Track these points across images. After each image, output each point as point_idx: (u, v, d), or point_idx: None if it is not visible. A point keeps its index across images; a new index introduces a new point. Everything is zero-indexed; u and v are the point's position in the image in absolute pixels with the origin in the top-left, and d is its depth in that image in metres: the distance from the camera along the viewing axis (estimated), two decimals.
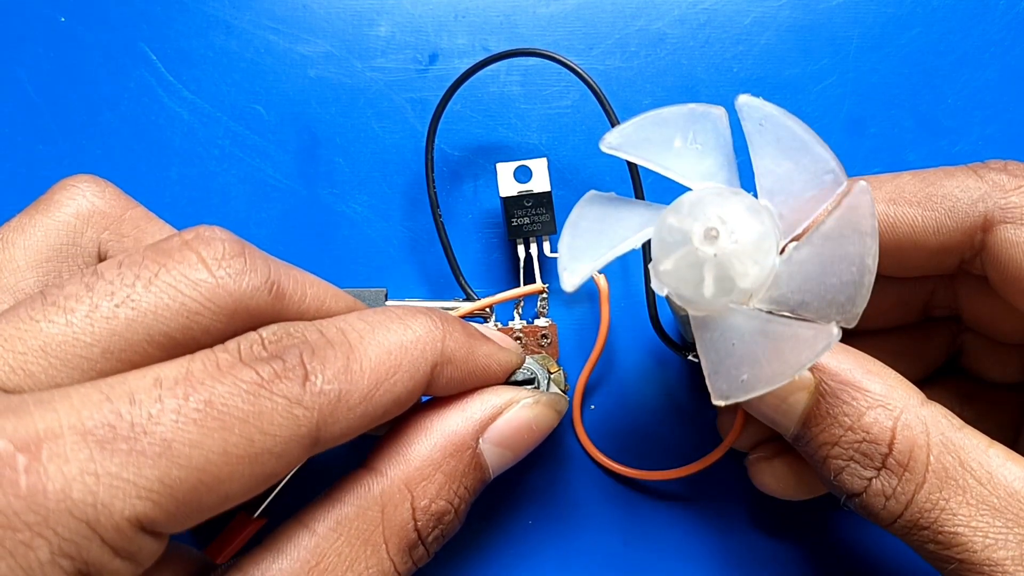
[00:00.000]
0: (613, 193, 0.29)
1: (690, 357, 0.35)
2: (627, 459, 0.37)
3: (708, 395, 0.26)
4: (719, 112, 0.28)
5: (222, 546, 0.28)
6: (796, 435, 0.28)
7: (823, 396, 0.27)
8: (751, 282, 0.26)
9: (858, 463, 0.27)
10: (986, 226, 0.29)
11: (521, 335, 0.36)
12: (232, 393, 0.22)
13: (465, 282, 0.37)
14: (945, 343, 0.35)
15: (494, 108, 0.40)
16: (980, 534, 0.25)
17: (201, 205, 0.39)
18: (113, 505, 0.19)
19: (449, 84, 0.36)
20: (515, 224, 0.37)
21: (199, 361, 0.22)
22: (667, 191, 0.28)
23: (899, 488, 0.26)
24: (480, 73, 0.36)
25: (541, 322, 0.36)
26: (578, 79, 0.36)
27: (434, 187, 0.37)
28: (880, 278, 0.25)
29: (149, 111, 0.40)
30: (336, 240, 0.39)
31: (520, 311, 0.36)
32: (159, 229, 0.30)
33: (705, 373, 0.27)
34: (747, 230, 0.26)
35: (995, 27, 0.40)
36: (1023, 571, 0.25)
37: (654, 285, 0.27)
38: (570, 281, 0.28)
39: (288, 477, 0.27)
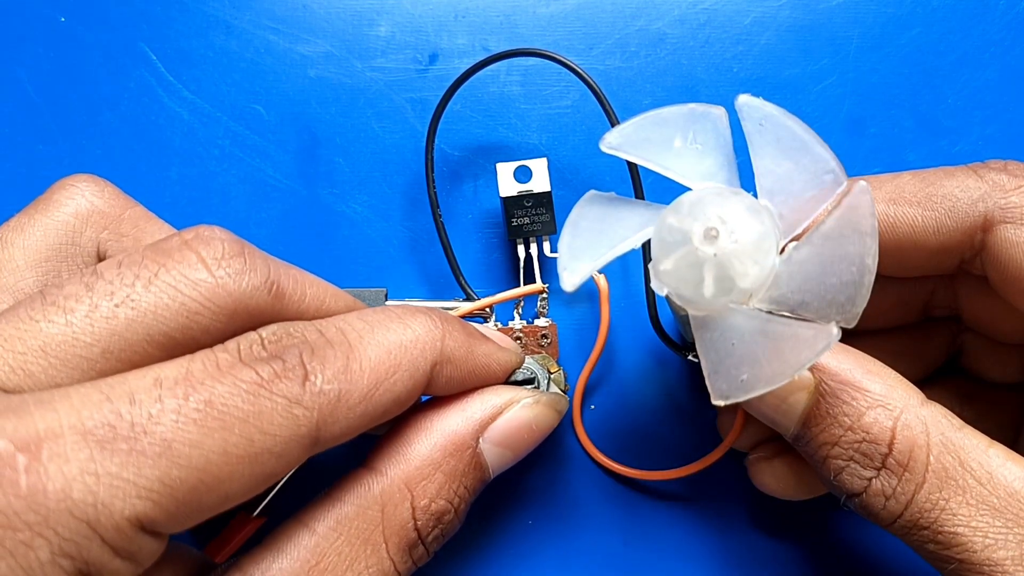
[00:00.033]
0: (613, 193, 0.29)
1: (690, 357, 0.35)
2: (627, 459, 0.37)
3: (708, 395, 0.26)
4: (719, 112, 0.28)
5: (221, 545, 0.28)
6: (796, 435, 0.28)
7: (823, 396, 0.27)
8: (751, 282, 0.26)
9: (858, 463, 0.27)
10: (986, 226, 0.29)
11: (521, 335, 0.36)
12: (232, 393, 0.22)
13: (465, 282, 0.37)
14: (945, 343, 0.35)
15: (494, 108, 0.40)
16: (980, 534, 0.25)
17: (201, 205, 0.39)
18: (113, 505, 0.19)
19: (449, 84, 0.36)
20: (515, 224, 0.37)
21: (199, 361, 0.22)
22: (667, 191, 0.28)
23: (899, 488, 0.26)
24: (480, 73, 0.36)
25: (541, 322, 0.36)
26: (578, 79, 0.36)
27: (434, 187, 0.37)
28: (880, 278, 0.25)
29: (149, 111, 0.40)
30: (336, 240, 0.39)
31: (520, 311, 0.36)
32: (158, 229, 0.30)
33: (705, 373, 0.27)
34: (747, 230, 0.26)
35: (995, 27, 0.40)
36: (1023, 571, 0.25)
37: (654, 285, 0.27)
38: (570, 281, 0.28)
39: (288, 476, 0.27)
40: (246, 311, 0.24)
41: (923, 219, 0.30)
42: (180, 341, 0.23)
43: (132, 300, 0.23)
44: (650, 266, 0.27)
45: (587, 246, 0.28)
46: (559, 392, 0.33)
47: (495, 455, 0.29)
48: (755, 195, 0.27)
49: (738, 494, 0.37)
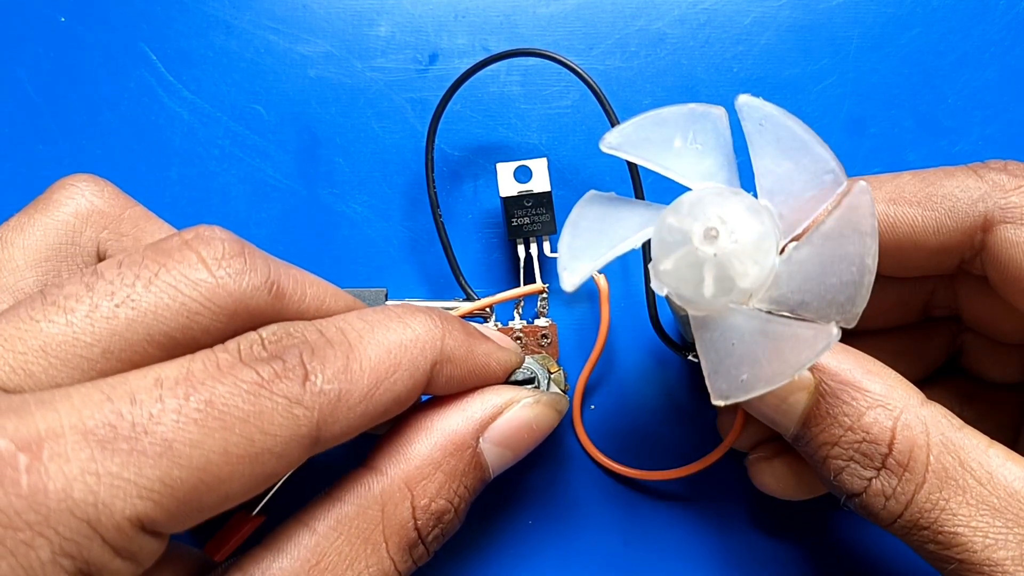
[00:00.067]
0: (613, 193, 0.29)
1: (690, 357, 0.35)
2: (627, 459, 0.37)
3: (708, 395, 0.26)
4: (719, 112, 0.28)
5: (221, 544, 0.28)
6: (796, 435, 0.28)
7: (823, 396, 0.27)
8: (751, 282, 0.26)
9: (858, 463, 0.27)
10: (986, 226, 0.29)
11: (521, 335, 0.36)
12: (232, 393, 0.22)
13: (465, 282, 0.37)
14: (945, 343, 0.35)
15: (494, 108, 0.40)
16: (980, 534, 0.25)
17: (201, 205, 0.39)
18: (114, 505, 0.19)
19: (449, 84, 0.36)
20: (515, 224, 0.37)
21: (199, 361, 0.22)
22: (667, 191, 0.28)
23: (899, 488, 0.26)
24: (480, 73, 0.36)
25: (541, 322, 0.36)
26: (578, 79, 0.36)
27: (434, 187, 0.37)
28: (880, 278, 0.25)
29: (149, 111, 0.40)
30: (336, 240, 0.39)
31: (520, 311, 0.36)
32: (158, 228, 0.30)
33: (705, 373, 0.27)
34: (747, 230, 0.26)
35: (995, 27, 0.40)
36: (1023, 571, 0.25)
37: (654, 285, 0.27)
38: (570, 281, 0.28)
39: (287, 476, 0.27)
40: (246, 311, 0.24)
41: (923, 219, 0.30)
42: (180, 341, 0.23)
43: (132, 300, 0.23)
44: (650, 266, 0.27)
45: (587, 246, 0.28)
46: (559, 392, 0.33)
47: (495, 455, 0.29)
48: (755, 195, 0.27)
49: (738, 494, 0.37)
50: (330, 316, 0.27)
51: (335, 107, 0.40)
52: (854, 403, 0.27)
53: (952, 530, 0.25)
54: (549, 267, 0.38)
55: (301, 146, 0.40)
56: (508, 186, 0.37)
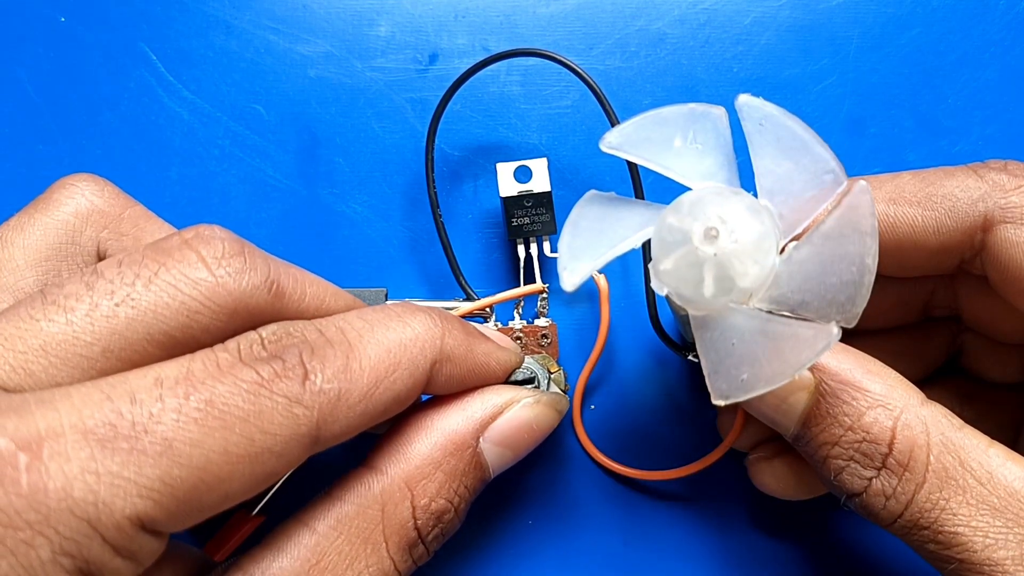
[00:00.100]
0: (613, 193, 0.29)
1: (690, 357, 0.35)
2: (627, 459, 0.37)
3: (708, 395, 0.26)
4: (719, 112, 0.28)
5: (221, 543, 0.28)
6: (796, 435, 0.28)
7: (823, 396, 0.27)
8: (751, 282, 0.26)
9: (858, 463, 0.27)
10: (986, 226, 0.29)
11: (521, 335, 0.36)
12: (232, 392, 0.22)
13: (465, 282, 0.37)
14: (945, 343, 0.35)
15: (494, 108, 0.40)
16: (980, 534, 0.25)
17: (201, 205, 0.39)
18: (114, 504, 0.19)
19: (449, 84, 0.36)
20: (515, 224, 0.37)
21: (199, 361, 0.22)
22: (667, 191, 0.28)
23: (899, 488, 0.26)
24: (480, 73, 0.36)
25: (541, 322, 0.36)
26: (578, 79, 0.36)
27: (434, 187, 0.37)
28: (880, 278, 0.25)
29: (149, 111, 0.40)
30: (336, 240, 0.39)
31: (520, 311, 0.36)
32: (158, 228, 0.30)
33: (705, 373, 0.27)
34: (747, 230, 0.26)
35: (995, 27, 0.40)
36: (1023, 571, 0.25)
37: (654, 285, 0.27)
38: (570, 280, 0.28)
39: (287, 475, 0.27)
40: (246, 310, 0.24)
41: (923, 219, 0.30)
42: (180, 340, 0.23)
43: (132, 299, 0.23)
44: (650, 266, 0.27)
45: (587, 246, 0.28)
46: (559, 392, 0.33)
47: (495, 455, 0.29)
48: (755, 195, 0.27)
49: (738, 494, 0.37)
50: (330, 315, 0.27)
51: (335, 107, 0.40)
52: (854, 403, 0.27)
53: (952, 530, 0.25)
54: (549, 267, 0.38)
55: (301, 146, 0.40)
56: (508, 186, 0.37)
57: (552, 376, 0.34)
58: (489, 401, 0.29)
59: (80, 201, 0.29)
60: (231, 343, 0.23)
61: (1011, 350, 0.33)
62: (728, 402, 0.26)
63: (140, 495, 0.20)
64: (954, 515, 0.25)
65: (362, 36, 0.41)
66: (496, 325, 0.36)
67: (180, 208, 0.39)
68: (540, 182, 0.37)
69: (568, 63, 0.36)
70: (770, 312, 0.26)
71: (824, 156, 0.26)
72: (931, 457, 0.26)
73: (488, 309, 0.35)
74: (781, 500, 0.34)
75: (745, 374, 0.25)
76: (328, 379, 0.24)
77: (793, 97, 0.40)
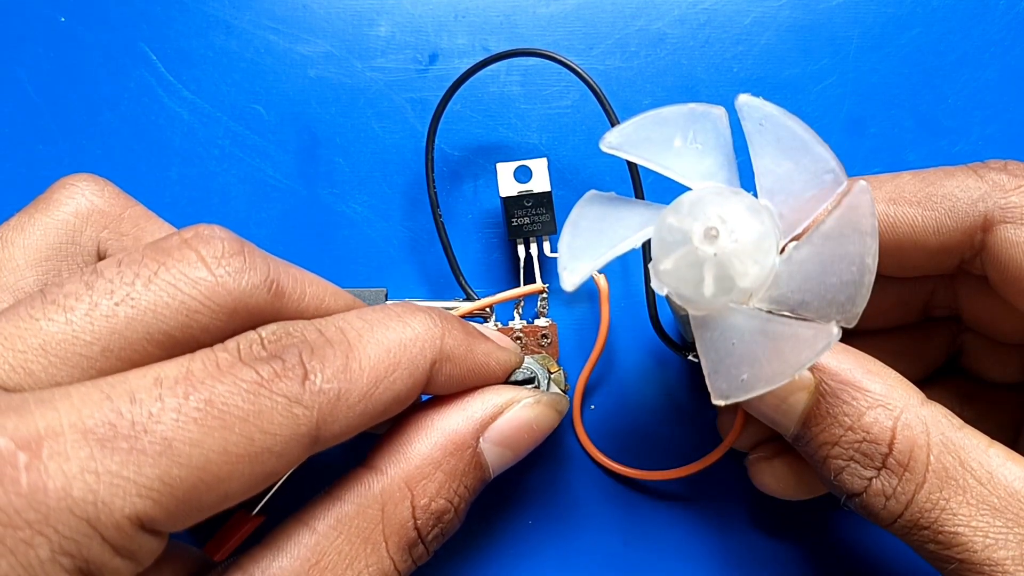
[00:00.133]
0: (613, 193, 0.29)
1: (690, 357, 0.35)
2: (627, 459, 0.37)
3: (708, 395, 0.26)
4: (719, 112, 0.28)
5: (220, 543, 0.28)
6: (796, 435, 0.28)
7: (823, 396, 0.27)
8: (751, 281, 0.26)
9: (858, 463, 0.27)
10: (986, 226, 0.29)
11: (521, 335, 0.36)
12: (232, 392, 0.22)
13: (465, 282, 0.37)
14: (945, 343, 0.35)
15: (494, 108, 0.40)
16: (980, 534, 0.25)
17: (201, 205, 0.39)
18: (113, 503, 0.19)
19: (449, 84, 0.36)
20: (515, 224, 0.37)
21: (199, 360, 0.22)
22: (667, 191, 0.28)
23: (899, 488, 0.26)
24: (480, 73, 0.36)
25: (541, 322, 0.36)
26: (578, 79, 0.36)
27: (434, 187, 0.37)
28: (880, 278, 0.25)
29: (149, 111, 0.40)
30: (336, 240, 0.39)
31: (520, 311, 0.36)
32: (158, 228, 0.30)
33: (705, 373, 0.27)
34: (747, 229, 0.26)
35: (995, 27, 0.40)
36: (1023, 571, 0.25)
37: (654, 285, 0.27)
38: (570, 280, 0.28)
39: (287, 475, 0.27)
40: (246, 309, 0.24)
41: (923, 219, 0.30)
42: (180, 340, 0.23)
43: (132, 298, 0.23)
44: (650, 266, 0.27)
45: (587, 246, 0.28)
46: (559, 392, 0.33)
47: (495, 455, 0.29)
48: (755, 195, 0.27)
49: (738, 494, 0.37)
50: (329, 315, 0.27)
51: (335, 107, 0.40)
52: (854, 403, 0.27)
53: (952, 530, 0.25)
54: (549, 267, 0.38)
55: (301, 146, 0.40)
56: (508, 186, 0.37)
57: (552, 376, 0.34)
58: (489, 401, 0.29)
59: (80, 201, 0.29)
60: (231, 343, 0.23)
61: (1011, 350, 0.33)
62: (728, 402, 0.26)
63: (139, 495, 0.20)
64: (954, 515, 0.25)
65: (362, 36, 0.41)
66: (496, 325, 0.36)
67: (180, 208, 0.39)
68: (540, 182, 0.37)
69: (568, 63, 0.36)
70: (770, 312, 0.26)
71: (824, 156, 0.26)
72: (931, 457, 0.26)
73: (488, 309, 0.35)
74: (781, 500, 0.34)
75: (745, 374, 0.25)
76: (328, 379, 0.24)
77: (793, 97, 0.40)
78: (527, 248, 0.37)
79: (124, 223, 0.30)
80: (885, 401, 0.27)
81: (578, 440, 0.37)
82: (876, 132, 0.40)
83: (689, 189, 0.27)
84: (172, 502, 0.20)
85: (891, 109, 0.40)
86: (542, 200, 0.37)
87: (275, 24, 0.41)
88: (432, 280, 0.39)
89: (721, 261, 0.25)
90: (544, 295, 0.36)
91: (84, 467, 0.19)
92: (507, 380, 0.31)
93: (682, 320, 0.32)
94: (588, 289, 0.38)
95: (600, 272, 0.34)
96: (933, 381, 0.35)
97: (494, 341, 0.31)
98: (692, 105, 0.28)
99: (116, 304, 0.23)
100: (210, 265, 0.24)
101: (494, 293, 0.36)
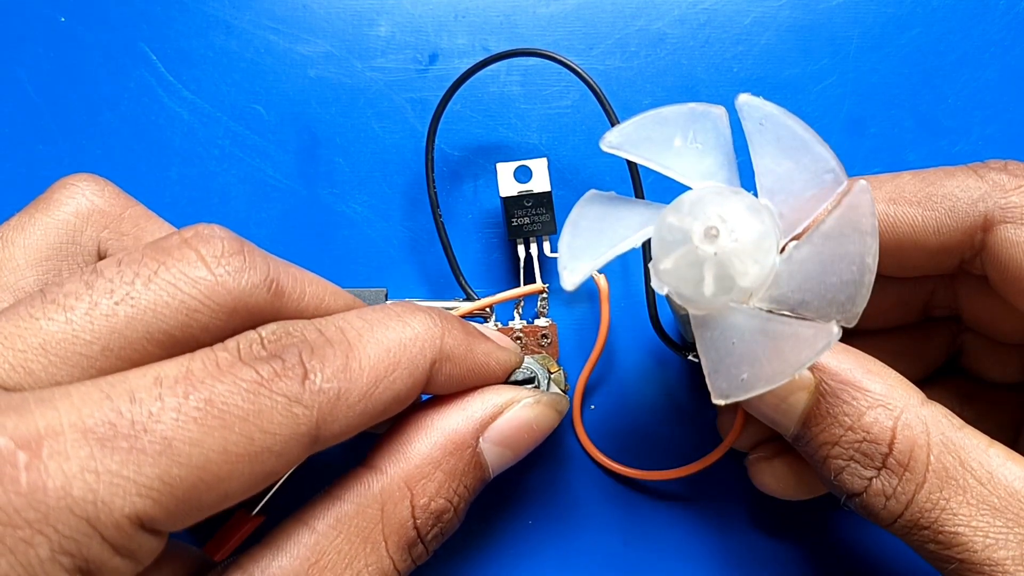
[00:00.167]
0: (613, 192, 0.29)
1: (690, 357, 0.35)
2: (627, 459, 0.37)
3: (708, 395, 0.26)
4: (719, 111, 0.28)
5: (220, 543, 0.28)
6: (796, 435, 0.28)
7: (823, 396, 0.27)
8: (751, 281, 0.26)
9: (858, 463, 0.27)
10: (986, 226, 0.29)
11: (521, 335, 0.36)
12: (232, 392, 0.22)
13: (465, 282, 0.37)
14: (945, 343, 0.35)
15: (494, 108, 0.40)
16: (980, 534, 0.25)
17: (201, 205, 0.39)
18: (113, 503, 0.19)
19: (449, 84, 0.36)
20: (515, 224, 0.37)
21: (199, 360, 0.22)
22: (667, 191, 0.28)
23: (899, 488, 0.26)
24: (480, 73, 0.36)
25: (541, 322, 0.36)
26: (578, 79, 0.36)
27: (434, 187, 0.37)
28: (880, 278, 0.25)
29: (149, 111, 0.40)
30: (336, 240, 0.39)
31: (520, 311, 0.36)
32: (158, 227, 0.30)
33: (705, 372, 0.27)
34: (747, 229, 0.26)
35: (995, 27, 0.40)
36: (1023, 571, 0.25)
37: (654, 284, 0.27)
38: (570, 280, 0.28)
39: (287, 475, 0.27)
40: (245, 309, 0.24)
41: (923, 219, 0.30)
42: (180, 339, 0.23)
43: (132, 298, 0.23)
44: (650, 265, 0.27)
45: (587, 245, 0.28)
46: (559, 392, 0.33)
47: (495, 455, 0.29)
48: (755, 194, 0.27)
49: (738, 494, 0.37)
50: (329, 315, 0.27)
51: (335, 107, 0.40)
52: (854, 403, 0.27)
53: (952, 530, 0.25)
54: (549, 267, 0.38)
55: (301, 146, 0.40)
56: (508, 186, 0.37)
57: (552, 376, 0.34)
58: (489, 401, 0.29)
59: (81, 201, 0.29)
60: (231, 342, 0.23)
61: (1011, 350, 0.33)
62: (728, 401, 0.26)
63: (139, 494, 0.20)
64: (954, 515, 0.25)
65: (362, 36, 0.41)
66: (496, 325, 0.36)
67: (180, 208, 0.39)
68: (540, 182, 0.37)
69: (568, 63, 0.36)
70: (770, 311, 0.26)
71: (824, 155, 0.26)
72: (931, 457, 0.26)
73: (488, 309, 0.35)
74: (781, 500, 0.34)
75: (745, 373, 0.25)
76: (328, 378, 0.24)
77: (793, 97, 0.40)
78: (527, 248, 0.37)
79: (124, 223, 0.30)
80: (885, 401, 0.27)
81: (578, 440, 0.37)
82: (876, 132, 0.40)
83: (689, 188, 0.27)
84: (172, 501, 0.20)
85: (891, 109, 0.40)
86: (542, 200, 0.37)
87: (275, 24, 0.41)
88: (432, 280, 0.39)
89: (721, 260, 0.25)
90: (544, 295, 0.36)
91: (84, 466, 0.19)
92: (507, 380, 0.31)
93: (682, 320, 0.32)
94: (588, 289, 0.38)
95: (600, 272, 0.34)
96: (933, 381, 0.35)
97: (494, 341, 0.31)
98: (692, 105, 0.28)
99: (116, 303, 0.23)
100: (210, 264, 0.24)
101: (494, 293, 0.36)
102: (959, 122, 0.40)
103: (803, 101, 0.40)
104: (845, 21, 0.40)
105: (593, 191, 0.29)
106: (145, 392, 0.21)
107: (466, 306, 0.35)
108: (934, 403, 0.27)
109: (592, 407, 0.38)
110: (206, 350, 0.23)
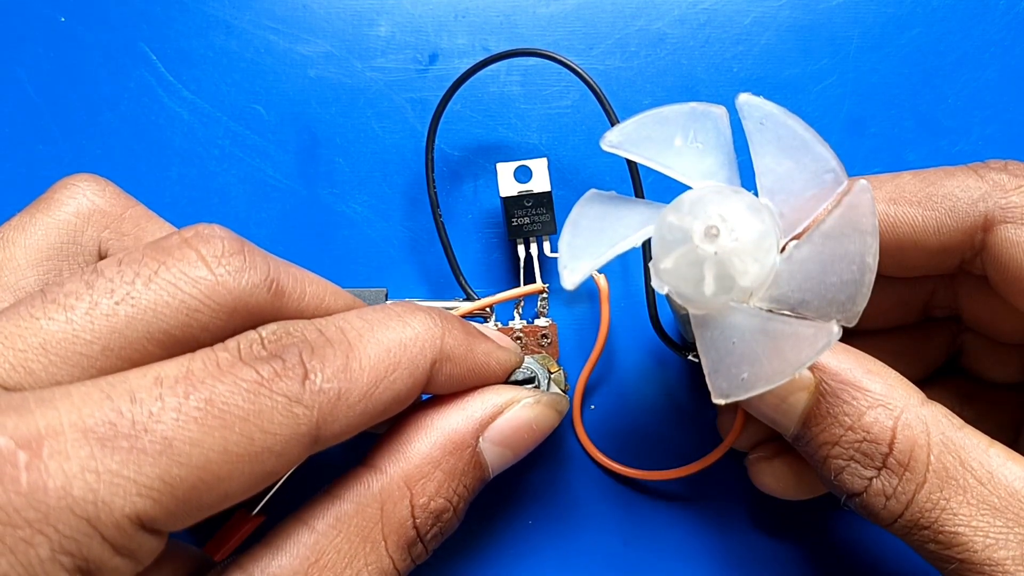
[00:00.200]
0: (613, 192, 0.29)
1: (690, 357, 0.35)
2: (627, 459, 0.37)
3: (708, 395, 0.26)
4: (720, 111, 0.28)
5: (220, 543, 0.28)
6: (796, 435, 0.28)
7: (823, 396, 0.27)
8: (751, 280, 0.26)
9: (858, 463, 0.27)
10: (986, 226, 0.29)
11: (521, 335, 0.36)
12: (232, 392, 0.22)
13: (465, 282, 0.37)
14: (945, 343, 0.35)
15: (494, 108, 0.40)
16: (981, 534, 0.25)
17: (201, 205, 0.39)
18: (113, 503, 0.19)
19: (449, 84, 0.36)
20: (515, 224, 0.37)
21: (199, 360, 0.22)
22: (667, 190, 0.28)
23: (900, 488, 0.26)
24: (480, 73, 0.36)
25: (541, 322, 0.36)
26: (578, 79, 0.36)
27: (434, 187, 0.37)
28: (880, 278, 0.25)
29: (149, 111, 0.40)
30: (336, 240, 0.39)
31: (520, 311, 0.36)
32: (159, 227, 0.30)
33: (705, 372, 0.27)
34: (748, 228, 0.26)
35: (995, 27, 0.40)
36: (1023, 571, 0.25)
37: (654, 283, 0.27)
38: (570, 279, 0.28)
39: (287, 475, 0.27)
40: (246, 309, 0.24)
41: (923, 219, 0.30)
42: (180, 339, 0.23)
43: (132, 298, 0.23)
44: (650, 265, 0.27)
45: (587, 245, 0.28)
46: (559, 392, 0.33)
47: (495, 454, 0.29)
48: (756, 194, 0.27)
49: (738, 494, 0.37)
50: (330, 315, 0.27)
51: (335, 107, 0.40)
52: (854, 403, 0.27)
53: (953, 530, 0.25)
54: (549, 267, 0.38)
55: (301, 146, 0.40)
56: (508, 186, 0.37)
57: (552, 376, 0.34)
58: (489, 401, 0.29)
59: (81, 201, 0.29)
60: (231, 342, 0.23)
61: (1011, 350, 0.33)
62: (728, 401, 0.26)
63: (140, 494, 0.20)
64: (954, 515, 0.25)
65: (362, 36, 0.41)
66: (496, 325, 0.36)
67: (180, 208, 0.39)
68: (540, 182, 0.37)
69: (568, 63, 0.36)
70: (770, 311, 0.26)
71: (824, 155, 0.26)
72: (931, 457, 0.26)
73: (488, 309, 0.35)
74: (781, 500, 0.34)
75: (745, 373, 0.25)
76: (328, 378, 0.24)
77: (793, 97, 0.40)
78: (527, 248, 0.37)
79: (125, 223, 0.30)
80: (885, 401, 0.27)
81: (578, 440, 0.37)
82: (876, 132, 0.40)
83: (689, 188, 0.27)
84: (172, 501, 0.20)
85: (891, 109, 0.40)
86: (542, 200, 0.37)
87: (275, 24, 0.41)
88: (432, 280, 0.39)
89: (721, 260, 0.25)
90: (544, 295, 0.36)
91: (84, 466, 0.19)
92: (507, 380, 0.31)
93: (682, 319, 0.32)
94: (588, 289, 0.38)
95: (600, 271, 0.34)
96: (933, 381, 0.35)
97: (494, 341, 0.31)
98: (693, 104, 0.28)
99: (116, 303, 0.23)
100: (210, 264, 0.24)
101: (494, 293, 0.36)
102: (959, 122, 0.40)
103: (803, 101, 0.40)
104: (845, 21, 0.41)
105: (593, 191, 0.29)
106: (145, 392, 0.21)
107: (466, 306, 0.35)
108: (934, 403, 0.27)
109: (592, 407, 0.38)
110: (206, 350, 0.23)
